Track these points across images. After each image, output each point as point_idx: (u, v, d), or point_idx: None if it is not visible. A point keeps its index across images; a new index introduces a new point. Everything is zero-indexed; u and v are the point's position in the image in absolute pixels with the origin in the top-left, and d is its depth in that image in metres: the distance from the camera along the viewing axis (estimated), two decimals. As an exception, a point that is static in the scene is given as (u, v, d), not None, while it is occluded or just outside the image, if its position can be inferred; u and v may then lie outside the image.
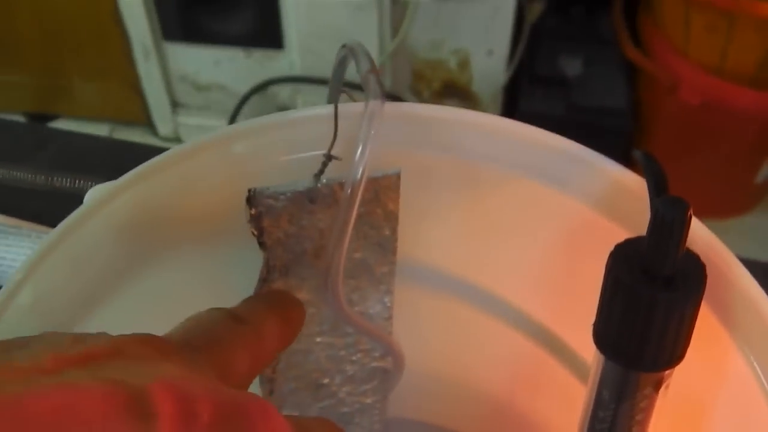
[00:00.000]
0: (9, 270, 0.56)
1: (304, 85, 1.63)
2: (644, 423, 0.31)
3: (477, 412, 0.46)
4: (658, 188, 0.30)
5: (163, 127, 1.79)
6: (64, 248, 0.32)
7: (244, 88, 1.67)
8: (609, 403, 0.31)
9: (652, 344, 0.28)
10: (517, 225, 0.38)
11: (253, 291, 0.34)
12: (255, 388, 0.38)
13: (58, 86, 1.79)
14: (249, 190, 0.32)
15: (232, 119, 1.68)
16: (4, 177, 0.61)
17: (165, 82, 1.71)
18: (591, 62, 1.59)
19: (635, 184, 0.33)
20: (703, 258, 0.28)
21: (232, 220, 0.34)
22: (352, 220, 0.32)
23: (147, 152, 0.55)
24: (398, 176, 0.35)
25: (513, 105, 1.63)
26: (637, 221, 0.31)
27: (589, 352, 0.31)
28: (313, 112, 0.35)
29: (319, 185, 0.33)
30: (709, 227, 0.31)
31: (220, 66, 1.67)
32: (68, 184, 0.60)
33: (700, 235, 0.31)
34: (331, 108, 0.34)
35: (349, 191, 0.31)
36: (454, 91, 1.65)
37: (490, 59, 1.59)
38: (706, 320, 0.30)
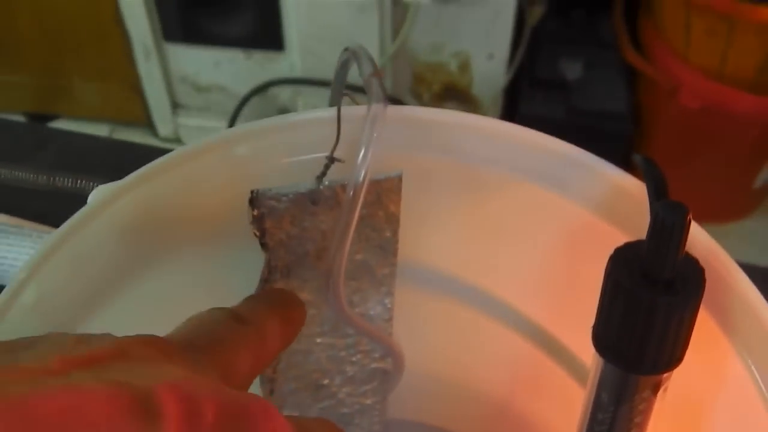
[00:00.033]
0: (10, 269, 0.56)
1: (304, 87, 1.63)
2: (643, 425, 0.31)
3: (476, 414, 0.46)
4: (658, 192, 0.30)
5: (163, 127, 1.79)
6: (68, 248, 0.32)
7: (244, 90, 1.67)
8: (608, 405, 0.31)
9: (651, 347, 0.28)
10: (518, 228, 0.38)
11: (255, 291, 0.35)
12: (255, 388, 0.38)
13: (58, 86, 1.79)
14: (252, 192, 0.33)
15: (232, 121, 1.68)
16: (5, 177, 0.62)
17: (165, 83, 1.71)
18: (591, 66, 1.59)
19: (635, 188, 0.33)
20: (702, 262, 0.29)
21: (235, 221, 0.34)
22: (354, 222, 0.32)
23: (148, 153, 0.56)
24: (400, 179, 0.35)
25: (513, 108, 1.63)
26: (637, 225, 0.31)
27: (588, 355, 0.31)
28: (315, 114, 0.35)
29: (321, 187, 0.33)
30: (708, 231, 0.31)
31: (221, 67, 1.68)
32: (69, 184, 0.61)
33: (700, 239, 0.31)
34: (333, 111, 0.34)
35: (351, 193, 0.32)
36: (455, 93, 1.65)
37: (491, 62, 1.59)
38: (704, 324, 0.30)
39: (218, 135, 0.35)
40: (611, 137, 1.49)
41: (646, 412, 0.30)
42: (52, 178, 0.61)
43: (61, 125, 1.80)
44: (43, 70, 1.77)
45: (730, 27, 1.38)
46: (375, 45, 1.52)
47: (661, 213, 0.27)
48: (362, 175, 0.31)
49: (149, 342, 0.23)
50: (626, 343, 0.29)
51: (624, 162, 0.34)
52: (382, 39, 1.53)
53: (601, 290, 0.29)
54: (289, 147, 0.35)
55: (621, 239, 0.30)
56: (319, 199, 0.34)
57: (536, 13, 1.62)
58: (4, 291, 0.31)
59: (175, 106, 1.77)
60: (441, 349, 0.44)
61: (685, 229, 0.27)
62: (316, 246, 0.35)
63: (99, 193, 0.34)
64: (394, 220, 0.36)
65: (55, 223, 0.59)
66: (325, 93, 1.58)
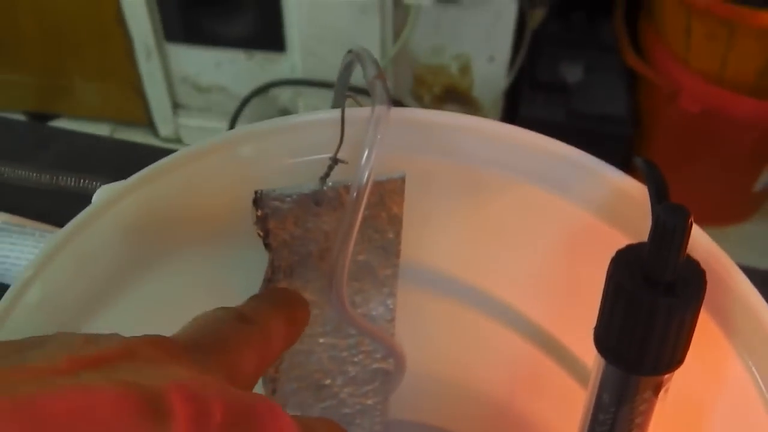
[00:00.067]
0: (13, 268, 0.56)
1: (305, 88, 1.63)
2: (644, 426, 0.31)
3: (477, 414, 0.46)
4: (659, 195, 0.30)
5: (164, 128, 1.79)
6: (72, 247, 0.32)
7: (245, 90, 1.67)
8: (609, 406, 0.31)
9: (653, 349, 0.28)
10: (519, 230, 0.38)
11: (258, 290, 0.35)
12: (258, 387, 0.38)
13: (59, 86, 1.79)
14: (256, 192, 0.33)
15: (233, 121, 1.68)
16: (8, 176, 0.62)
17: (166, 83, 1.71)
18: (592, 69, 1.59)
19: (636, 190, 0.33)
20: (703, 264, 0.29)
21: (238, 222, 0.34)
22: (358, 223, 0.32)
23: (150, 153, 0.56)
24: (403, 180, 0.35)
25: (513, 111, 1.63)
26: (638, 227, 0.31)
27: (589, 356, 0.31)
28: (318, 116, 0.35)
29: (324, 188, 0.34)
30: (708, 235, 0.31)
31: (221, 68, 1.68)
32: (72, 183, 0.61)
33: (701, 241, 0.31)
34: (335, 112, 0.34)
35: (354, 195, 0.32)
36: (455, 96, 1.66)
37: (492, 65, 1.59)
38: (705, 326, 0.30)
39: (222, 136, 0.35)
40: (611, 140, 1.49)
41: (647, 413, 0.31)
42: (54, 178, 0.61)
43: (62, 125, 1.80)
44: (44, 69, 1.77)
45: (731, 31, 1.39)
46: (376, 47, 1.52)
47: (663, 216, 0.27)
48: (366, 176, 0.32)
49: (156, 342, 0.23)
50: (627, 345, 0.29)
51: (624, 165, 0.34)
52: (383, 41, 1.53)
53: (603, 292, 0.30)
54: (293, 148, 0.35)
55: (622, 241, 0.30)
56: (323, 200, 0.34)
57: (537, 16, 1.62)
58: (10, 289, 0.31)
59: (176, 106, 1.77)
60: (442, 350, 0.44)
61: (686, 232, 0.27)
62: (319, 247, 0.35)
63: (103, 193, 0.34)
64: (396, 222, 0.36)
65: (58, 222, 0.60)
66: (326, 94, 1.59)
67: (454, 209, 0.39)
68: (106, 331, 0.23)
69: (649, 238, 0.28)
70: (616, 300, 0.29)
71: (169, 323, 0.27)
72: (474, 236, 0.40)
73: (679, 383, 0.30)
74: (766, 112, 1.45)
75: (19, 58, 1.75)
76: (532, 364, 0.42)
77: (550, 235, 0.37)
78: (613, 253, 0.29)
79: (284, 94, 1.68)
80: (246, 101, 1.67)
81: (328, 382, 0.40)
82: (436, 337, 0.43)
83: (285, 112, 1.69)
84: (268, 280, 0.35)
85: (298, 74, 1.62)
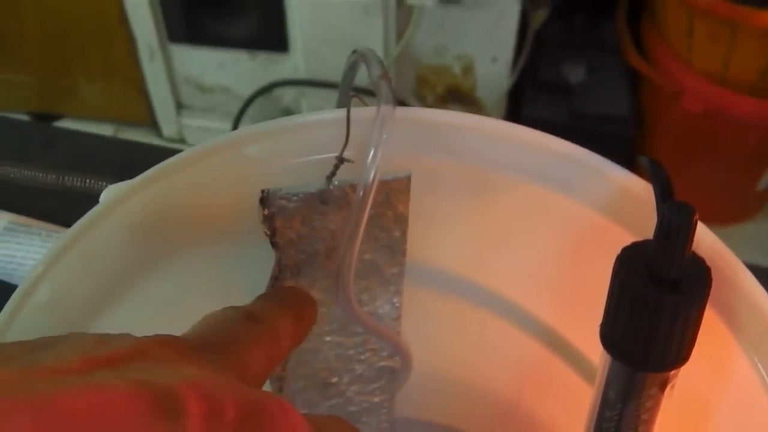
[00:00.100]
0: (19, 268, 0.57)
1: (308, 89, 1.64)
2: (650, 422, 0.31)
3: (483, 412, 0.46)
4: (664, 193, 0.30)
5: (168, 128, 1.79)
6: (80, 247, 0.32)
7: (248, 91, 1.67)
8: (615, 402, 0.31)
9: (658, 346, 0.29)
10: (524, 228, 0.38)
11: (265, 289, 0.35)
12: (264, 386, 0.38)
13: (62, 86, 1.79)
14: (262, 191, 0.33)
15: (236, 122, 1.69)
16: (14, 176, 0.62)
17: (169, 84, 1.71)
18: (594, 69, 1.60)
19: (641, 188, 0.33)
20: (708, 262, 0.29)
21: (244, 221, 0.35)
22: (364, 222, 0.32)
23: (155, 153, 0.56)
24: (409, 179, 0.35)
25: (516, 111, 1.64)
26: (643, 225, 0.31)
27: (595, 353, 0.32)
28: (323, 116, 0.35)
29: (331, 187, 0.34)
30: (711, 234, 0.32)
31: (225, 68, 1.68)
32: (78, 183, 0.61)
33: (706, 239, 0.31)
34: (340, 112, 0.34)
35: (361, 194, 0.32)
36: (458, 96, 1.66)
37: (494, 65, 1.59)
38: (711, 323, 0.30)
39: (228, 136, 0.35)
40: (614, 140, 1.49)
41: (654, 409, 0.31)
42: (60, 178, 0.61)
43: (65, 125, 1.80)
44: (47, 70, 1.78)
45: (733, 32, 1.39)
46: (379, 47, 1.52)
47: (668, 214, 0.27)
48: (372, 175, 0.32)
49: (167, 342, 0.23)
50: (633, 342, 0.29)
51: (626, 165, 0.34)
52: (386, 41, 1.53)
53: (609, 290, 0.30)
54: (298, 148, 0.36)
55: (627, 239, 0.30)
56: (329, 198, 0.34)
57: (540, 16, 1.62)
58: (18, 289, 0.31)
59: (179, 106, 1.77)
60: (448, 348, 0.44)
61: (691, 230, 0.27)
62: (326, 245, 0.35)
63: (111, 192, 0.34)
64: (402, 220, 0.36)
65: (64, 222, 0.60)
66: (329, 94, 1.59)
67: (459, 208, 0.39)
68: (114, 331, 0.23)
69: (654, 236, 0.28)
70: (621, 297, 0.29)
71: (177, 322, 0.27)
72: (479, 235, 0.40)
73: (685, 380, 0.30)
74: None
75: (22, 59, 1.75)
76: (538, 362, 0.42)
77: (556, 234, 0.37)
78: (618, 251, 0.29)
79: (287, 95, 1.68)
80: (249, 101, 1.67)
81: (334, 380, 0.40)
82: (442, 336, 0.43)
83: (288, 112, 1.69)
84: (275, 279, 0.35)
85: (301, 75, 1.62)
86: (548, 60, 1.61)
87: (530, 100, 1.58)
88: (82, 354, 0.21)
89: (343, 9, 1.48)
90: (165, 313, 0.33)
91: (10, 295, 0.31)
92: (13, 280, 0.57)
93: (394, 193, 0.35)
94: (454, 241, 0.40)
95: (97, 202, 0.34)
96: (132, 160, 0.66)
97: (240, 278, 0.35)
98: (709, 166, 1.55)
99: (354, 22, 1.49)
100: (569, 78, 1.58)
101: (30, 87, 1.81)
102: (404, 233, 0.37)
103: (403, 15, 1.52)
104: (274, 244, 0.34)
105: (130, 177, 0.34)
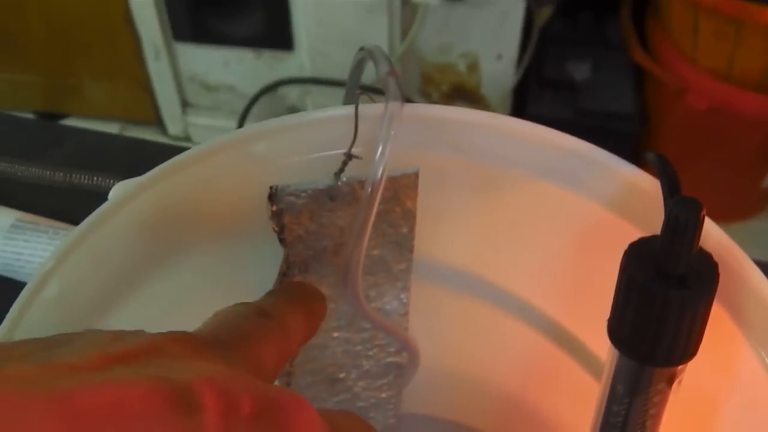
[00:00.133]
0: (27, 265, 0.57)
1: (313, 87, 1.64)
2: (657, 417, 0.31)
3: (490, 408, 0.46)
4: (671, 189, 0.30)
5: (173, 126, 1.80)
6: (89, 243, 0.32)
7: (253, 89, 1.67)
8: (623, 397, 0.31)
9: (666, 340, 0.29)
10: (532, 224, 0.38)
11: (273, 285, 0.35)
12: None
13: (68, 85, 1.80)
14: (271, 187, 0.33)
15: (242, 120, 1.69)
16: (21, 174, 0.62)
17: (175, 82, 1.72)
18: (599, 66, 1.59)
19: (648, 184, 0.33)
20: (715, 257, 0.29)
21: (251, 218, 0.35)
22: (372, 218, 0.33)
23: (162, 150, 0.56)
24: (416, 175, 0.35)
25: (521, 108, 1.64)
26: (650, 220, 0.31)
27: (602, 349, 0.32)
28: (330, 113, 0.35)
29: (339, 183, 0.34)
30: (717, 230, 0.32)
31: (230, 67, 1.68)
32: (85, 180, 0.61)
33: (713, 234, 0.31)
34: (348, 109, 0.34)
35: (369, 190, 0.32)
36: (463, 94, 1.66)
37: (499, 63, 1.59)
38: (718, 318, 0.30)
39: (235, 133, 0.35)
40: (619, 138, 1.49)
41: (661, 404, 0.31)
42: (68, 175, 0.61)
43: (71, 124, 1.80)
44: (52, 69, 1.78)
45: (738, 29, 1.39)
46: (384, 45, 1.52)
47: (675, 209, 0.27)
48: (380, 171, 0.32)
49: (180, 338, 0.23)
50: (641, 337, 0.29)
51: (631, 162, 0.34)
52: (391, 39, 1.53)
53: (616, 285, 0.30)
54: (305, 145, 0.36)
55: (634, 234, 0.30)
56: (337, 195, 0.34)
57: (544, 14, 1.62)
58: (27, 286, 0.31)
59: (185, 105, 1.78)
60: (456, 344, 0.44)
61: (699, 225, 0.27)
62: (334, 242, 0.35)
63: (120, 189, 0.35)
64: (410, 216, 0.36)
65: (71, 220, 0.60)
66: (334, 92, 1.59)
67: (467, 204, 0.39)
68: (123, 327, 0.24)
69: (661, 231, 0.28)
70: (629, 292, 0.29)
71: (185, 319, 0.27)
72: (487, 231, 0.40)
73: (692, 375, 0.30)
74: (773, 110, 1.45)
75: (28, 58, 1.76)
76: (545, 357, 0.42)
77: (563, 229, 0.38)
78: (625, 247, 0.29)
79: (292, 93, 1.69)
80: (254, 100, 1.67)
81: (342, 375, 0.40)
82: (450, 332, 0.44)
83: (293, 110, 1.69)
84: (283, 275, 0.35)
85: (306, 73, 1.62)
86: (553, 57, 1.61)
87: (535, 98, 1.58)
88: (99, 351, 0.21)
89: (348, 7, 1.48)
90: (173, 309, 0.33)
91: (17, 292, 0.31)
92: (20, 278, 0.57)
93: (402, 189, 0.35)
94: (462, 236, 0.40)
95: (105, 199, 0.34)
96: (139, 158, 0.66)
97: (248, 275, 0.35)
98: (714, 163, 1.55)
99: (359, 21, 1.50)
100: (574, 75, 1.58)
101: (35, 87, 1.81)
102: (412, 229, 0.37)
103: (407, 13, 1.52)
104: (282, 241, 0.34)
105: (138, 174, 0.34)
